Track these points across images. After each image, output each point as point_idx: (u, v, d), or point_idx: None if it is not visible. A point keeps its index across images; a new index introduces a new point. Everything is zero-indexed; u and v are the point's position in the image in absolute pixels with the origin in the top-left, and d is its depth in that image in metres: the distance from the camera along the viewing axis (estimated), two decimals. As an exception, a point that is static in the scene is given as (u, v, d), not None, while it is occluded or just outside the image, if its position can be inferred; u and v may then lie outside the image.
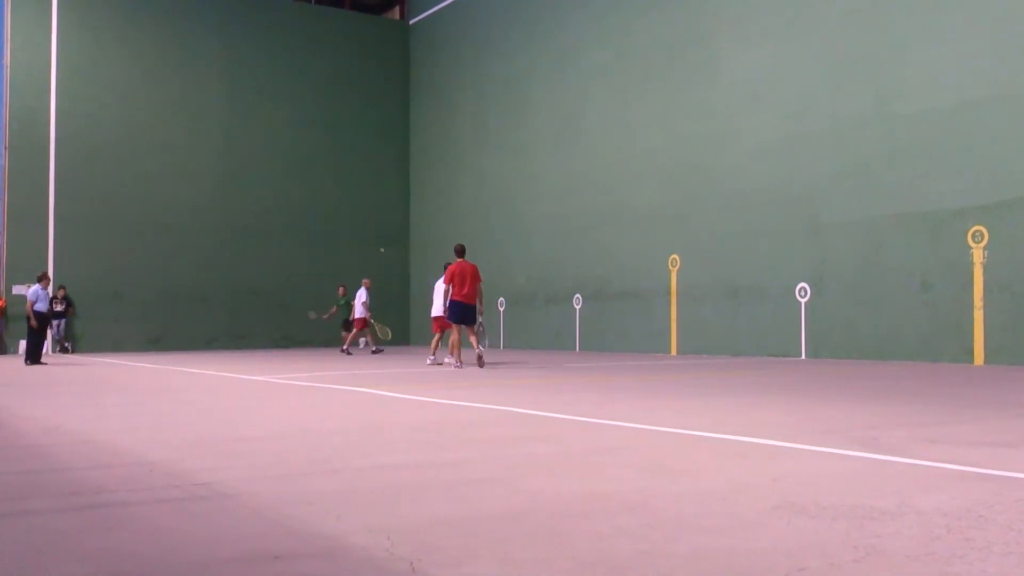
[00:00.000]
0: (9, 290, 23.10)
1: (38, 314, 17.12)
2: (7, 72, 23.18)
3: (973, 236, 14.41)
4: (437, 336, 15.78)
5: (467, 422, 6.62)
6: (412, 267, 28.55)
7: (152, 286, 24.30)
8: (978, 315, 14.28)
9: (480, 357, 13.87)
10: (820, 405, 7.68)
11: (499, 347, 23.78)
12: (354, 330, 21.13)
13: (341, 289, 22.90)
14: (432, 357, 15.64)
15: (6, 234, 23.16)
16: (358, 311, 20.84)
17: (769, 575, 2.58)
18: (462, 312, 13.91)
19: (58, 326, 22.84)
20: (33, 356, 17.07)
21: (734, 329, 18.21)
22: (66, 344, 23.09)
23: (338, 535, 3.11)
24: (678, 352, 19.33)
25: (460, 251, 14.32)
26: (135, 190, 24.35)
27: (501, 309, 24.27)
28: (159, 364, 16.60)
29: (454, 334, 14.11)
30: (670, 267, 19.66)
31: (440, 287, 15.19)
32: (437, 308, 15.47)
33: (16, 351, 23.16)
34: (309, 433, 6.08)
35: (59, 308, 22.55)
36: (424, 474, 4.36)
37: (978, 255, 14.34)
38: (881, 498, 3.64)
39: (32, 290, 17.29)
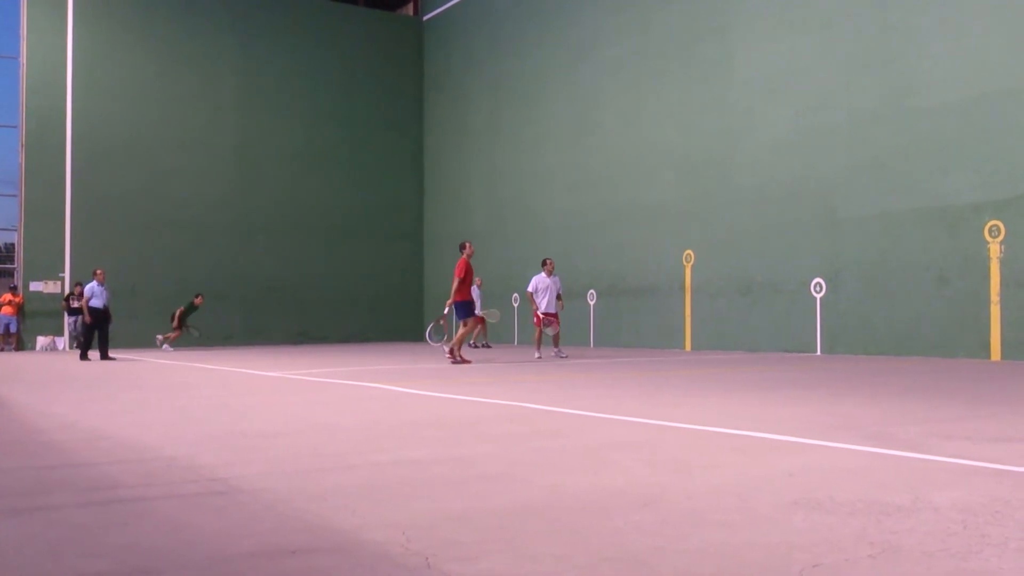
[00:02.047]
0: (27, 286, 23.28)
1: (93, 310, 17.19)
2: (23, 71, 23.35)
3: (990, 231, 14.31)
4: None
5: (481, 418, 6.63)
6: (425, 262, 28.59)
7: (168, 282, 24.43)
8: (995, 310, 14.18)
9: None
10: (835, 401, 7.65)
11: (513, 343, 23.78)
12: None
13: (199, 298, 22.99)
14: (538, 353, 15.99)
15: (24, 232, 23.34)
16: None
17: (784, 571, 2.58)
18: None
19: (74, 322, 22.99)
20: (84, 352, 17.29)
21: (749, 325, 18.15)
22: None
23: (354, 530, 3.12)
24: (693, 348, 19.29)
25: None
26: (151, 187, 24.50)
27: (515, 305, 24.27)
28: (175, 360, 16.69)
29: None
30: (685, 262, 19.61)
31: (543, 281, 15.82)
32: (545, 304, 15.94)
33: (34, 347, 23.34)
34: (324, 429, 6.11)
35: (76, 304, 22.69)
36: (439, 470, 4.37)
37: (995, 250, 14.24)
38: (897, 494, 3.62)
39: (89, 287, 17.46)
